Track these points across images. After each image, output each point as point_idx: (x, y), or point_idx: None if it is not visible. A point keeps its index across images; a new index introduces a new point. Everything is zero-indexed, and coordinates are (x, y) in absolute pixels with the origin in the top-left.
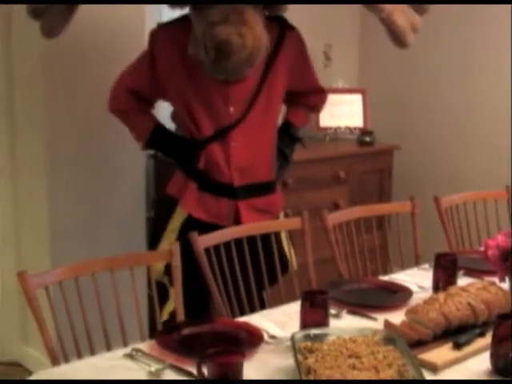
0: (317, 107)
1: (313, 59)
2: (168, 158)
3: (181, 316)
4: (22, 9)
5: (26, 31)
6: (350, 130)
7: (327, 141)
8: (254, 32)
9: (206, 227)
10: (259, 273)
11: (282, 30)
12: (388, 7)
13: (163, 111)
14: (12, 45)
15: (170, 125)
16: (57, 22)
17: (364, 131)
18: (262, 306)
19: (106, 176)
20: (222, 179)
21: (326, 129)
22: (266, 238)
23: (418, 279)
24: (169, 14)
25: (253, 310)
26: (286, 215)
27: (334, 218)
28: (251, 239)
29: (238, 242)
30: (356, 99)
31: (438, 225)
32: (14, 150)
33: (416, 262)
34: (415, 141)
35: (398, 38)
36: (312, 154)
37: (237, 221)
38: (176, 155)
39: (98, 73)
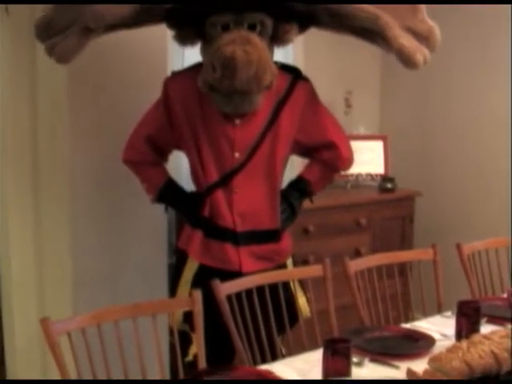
0: (334, 165)
1: (334, 106)
2: (176, 211)
3: (203, 363)
4: None
5: (49, 80)
6: (372, 176)
7: (349, 187)
8: (260, 51)
9: (218, 275)
10: (280, 320)
11: (294, 80)
12: (396, 31)
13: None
14: (37, 85)
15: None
16: (70, 48)
17: (385, 178)
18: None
19: (128, 223)
20: (225, 224)
21: (347, 175)
22: (280, 286)
23: (440, 327)
24: (191, 57)
25: (274, 357)
26: (306, 262)
27: (355, 265)
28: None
29: (258, 289)
30: (377, 146)
31: (460, 271)
32: (38, 199)
33: (438, 309)
34: (436, 187)
35: (407, 57)
36: (333, 201)
37: (238, 267)
38: (183, 208)
39: (121, 119)
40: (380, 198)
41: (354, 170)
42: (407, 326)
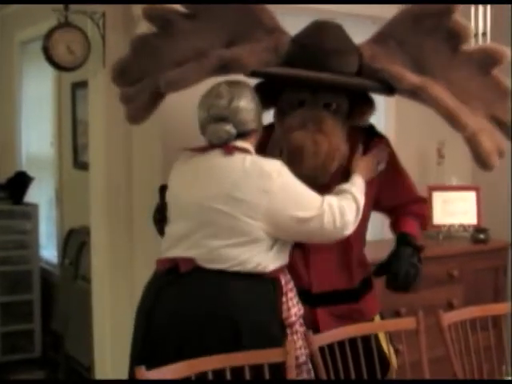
0: (423, 215)
1: (426, 157)
2: None
3: None
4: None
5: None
6: (464, 227)
7: (441, 239)
8: (330, 140)
9: None
10: (371, 371)
11: (367, 138)
12: (473, 126)
13: None
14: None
15: None
16: (141, 109)
17: (478, 229)
18: None
19: None
20: (301, 285)
21: (439, 226)
22: (373, 338)
23: None
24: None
25: None
26: (398, 314)
27: (449, 318)
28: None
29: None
30: (470, 196)
31: None
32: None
33: None
34: None
35: (483, 160)
36: (425, 252)
37: (315, 327)
38: None
39: None
40: (473, 249)
41: (447, 220)
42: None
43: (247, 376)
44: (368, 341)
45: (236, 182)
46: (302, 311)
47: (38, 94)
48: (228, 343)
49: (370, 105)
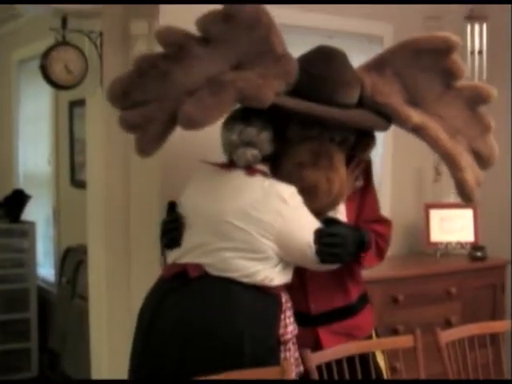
0: (383, 235)
1: (423, 174)
2: None
3: None
4: None
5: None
6: (462, 245)
7: (438, 256)
8: (340, 176)
9: None
10: None
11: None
12: (463, 164)
13: None
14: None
15: None
16: (150, 142)
17: (475, 246)
18: None
19: None
20: (299, 309)
21: (436, 244)
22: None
23: None
24: None
25: None
26: (396, 332)
27: (446, 336)
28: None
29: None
30: (467, 214)
31: None
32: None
33: None
34: None
35: (467, 195)
36: (423, 270)
37: (318, 346)
38: None
39: None
40: (470, 266)
41: (444, 238)
42: None
43: None
44: (365, 358)
45: (255, 201)
46: (296, 331)
47: (36, 112)
48: (231, 352)
49: (372, 139)
